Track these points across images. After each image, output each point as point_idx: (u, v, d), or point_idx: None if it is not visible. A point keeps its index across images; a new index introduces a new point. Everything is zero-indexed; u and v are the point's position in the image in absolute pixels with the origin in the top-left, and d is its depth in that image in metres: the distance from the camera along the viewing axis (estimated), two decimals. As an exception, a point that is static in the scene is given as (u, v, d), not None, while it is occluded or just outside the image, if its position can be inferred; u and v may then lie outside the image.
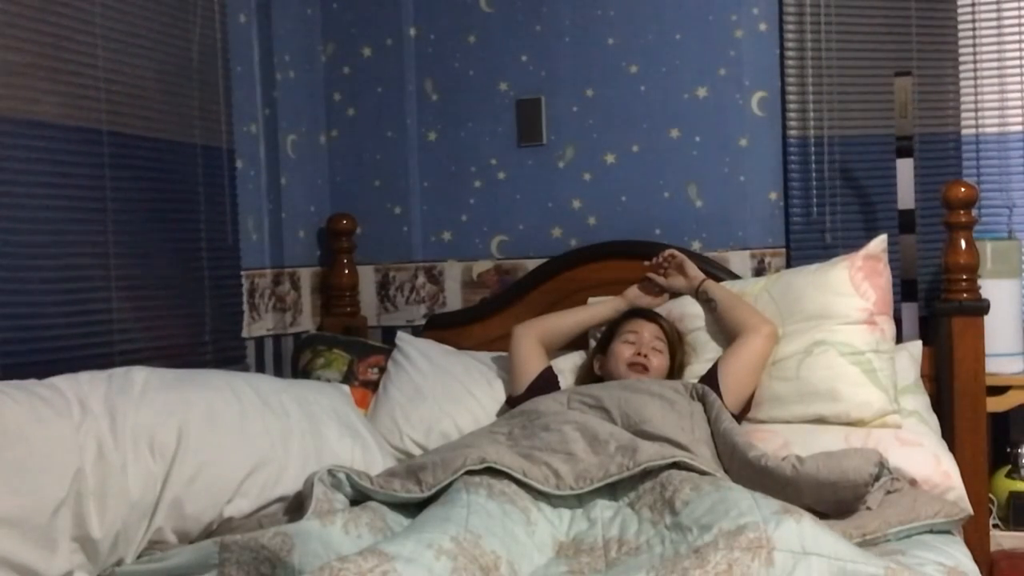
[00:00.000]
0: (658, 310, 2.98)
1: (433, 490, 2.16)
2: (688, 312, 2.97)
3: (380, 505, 2.19)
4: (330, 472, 2.31)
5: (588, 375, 2.92)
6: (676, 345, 2.88)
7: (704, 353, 2.89)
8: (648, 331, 2.84)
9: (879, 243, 2.82)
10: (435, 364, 3.09)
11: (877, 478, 2.32)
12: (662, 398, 2.55)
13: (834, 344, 2.71)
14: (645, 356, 2.78)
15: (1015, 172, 3.22)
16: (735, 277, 3.14)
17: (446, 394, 2.98)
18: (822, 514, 2.18)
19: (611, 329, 2.92)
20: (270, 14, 3.33)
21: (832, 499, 2.24)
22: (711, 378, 2.73)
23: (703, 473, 2.16)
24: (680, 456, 2.16)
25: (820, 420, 2.69)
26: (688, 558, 1.80)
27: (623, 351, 2.80)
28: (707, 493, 2.02)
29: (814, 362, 2.71)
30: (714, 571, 1.74)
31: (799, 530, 1.84)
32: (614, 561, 2.00)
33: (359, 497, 2.27)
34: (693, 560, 1.78)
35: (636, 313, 2.93)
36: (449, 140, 3.54)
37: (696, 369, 2.88)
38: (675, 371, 2.86)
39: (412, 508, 2.18)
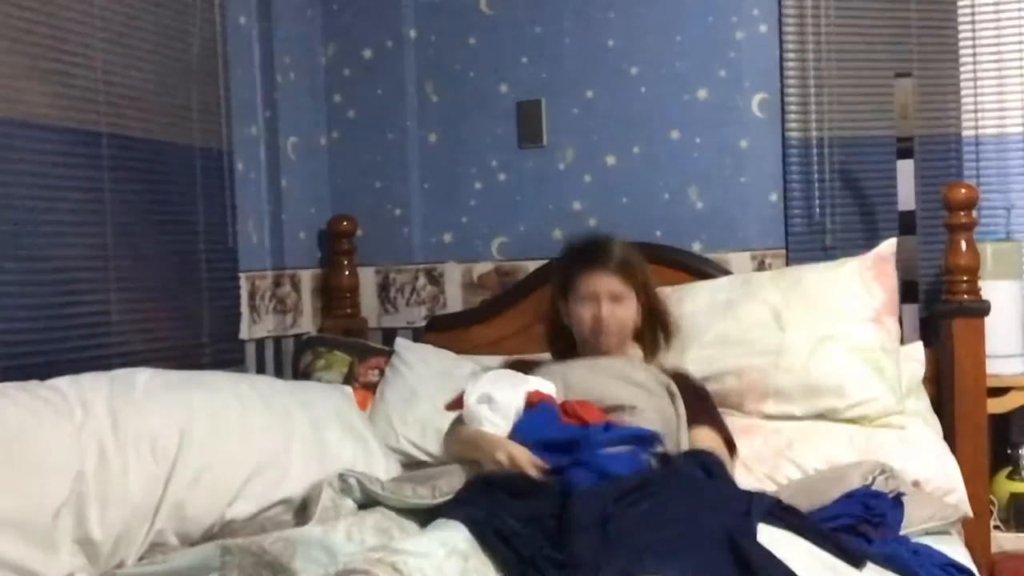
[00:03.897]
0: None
1: (445, 497, 2.14)
2: (685, 295, 2.95)
3: (388, 510, 2.18)
4: (341, 477, 2.30)
5: (560, 330, 2.74)
6: (644, 279, 2.67)
7: (703, 336, 2.82)
8: (603, 285, 2.60)
9: (889, 246, 2.85)
10: (432, 368, 3.08)
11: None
12: (647, 389, 2.51)
13: (842, 340, 2.71)
14: (605, 319, 2.59)
15: (1014, 173, 3.22)
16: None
17: (441, 394, 2.96)
18: None
19: (564, 280, 2.68)
20: (270, 16, 3.33)
21: None
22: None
23: None
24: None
25: (825, 416, 2.69)
26: None
27: (583, 316, 2.61)
28: None
29: (822, 357, 2.70)
30: None
31: None
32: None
33: (368, 502, 2.26)
34: None
35: (586, 263, 2.64)
36: (450, 142, 3.53)
37: (694, 354, 2.79)
38: (650, 316, 2.70)
39: (421, 514, 2.16)
